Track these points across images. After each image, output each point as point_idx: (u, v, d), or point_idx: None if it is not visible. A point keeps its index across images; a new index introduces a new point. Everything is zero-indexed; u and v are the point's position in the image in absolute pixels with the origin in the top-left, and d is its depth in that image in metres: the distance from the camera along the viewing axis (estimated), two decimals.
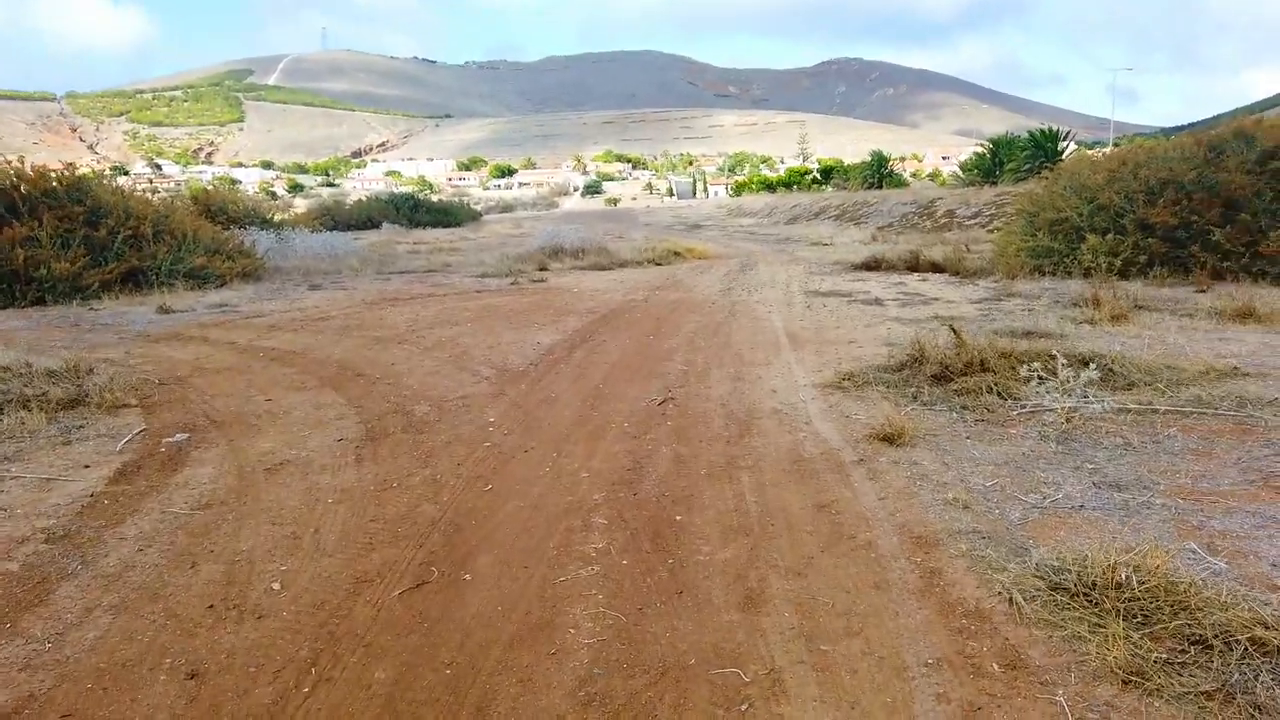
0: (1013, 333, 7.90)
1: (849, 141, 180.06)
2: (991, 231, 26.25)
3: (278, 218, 32.75)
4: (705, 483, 4.25)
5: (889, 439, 4.76)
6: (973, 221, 29.88)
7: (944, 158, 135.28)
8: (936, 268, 15.56)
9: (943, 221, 32.09)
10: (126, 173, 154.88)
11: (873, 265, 16.50)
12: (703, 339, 8.74)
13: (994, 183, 38.41)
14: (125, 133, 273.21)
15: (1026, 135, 39.71)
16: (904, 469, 4.35)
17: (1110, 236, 13.08)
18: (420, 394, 6.30)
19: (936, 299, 11.33)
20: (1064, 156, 38.29)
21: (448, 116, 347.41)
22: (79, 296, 13.71)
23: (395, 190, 74.58)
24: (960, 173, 46.91)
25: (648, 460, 4.63)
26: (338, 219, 43.41)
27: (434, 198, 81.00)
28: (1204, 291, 11.01)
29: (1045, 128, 38.89)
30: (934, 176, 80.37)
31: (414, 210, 48.64)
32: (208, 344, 8.90)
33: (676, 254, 21.90)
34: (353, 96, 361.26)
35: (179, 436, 4.98)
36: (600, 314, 10.89)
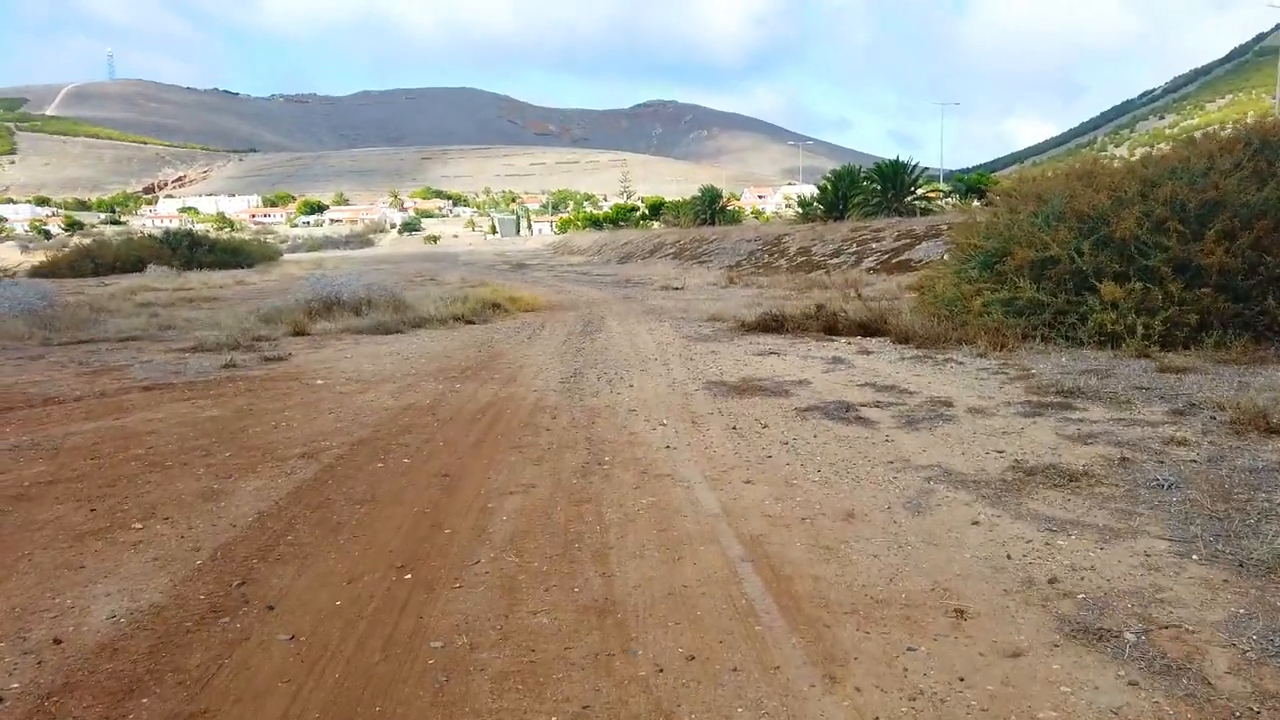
0: None
1: (669, 180, 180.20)
2: (872, 271, 22.46)
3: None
4: None
5: None
6: (836, 260, 26.15)
7: (759, 195, 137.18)
8: (868, 330, 10.94)
9: (799, 260, 28.31)
10: None
11: (772, 325, 11.69)
12: (551, 588, 3.40)
13: (839, 217, 35.56)
14: None
15: (874, 168, 37.22)
16: None
17: (1134, 285, 8.83)
18: None
19: (949, 404, 6.47)
20: (917, 190, 35.93)
21: (252, 150, 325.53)
22: None
23: (168, 227, 65.00)
24: (798, 208, 44.21)
25: None
26: (100, 261, 37.65)
27: (232, 235, 71.72)
28: None
29: (890, 160, 36.45)
30: (757, 214, 79.14)
31: (192, 249, 41.83)
32: None
33: (496, 306, 16.43)
34: (146, 128, 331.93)
35: None
36: (330, 459, 5.34)
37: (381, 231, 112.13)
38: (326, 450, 5.58)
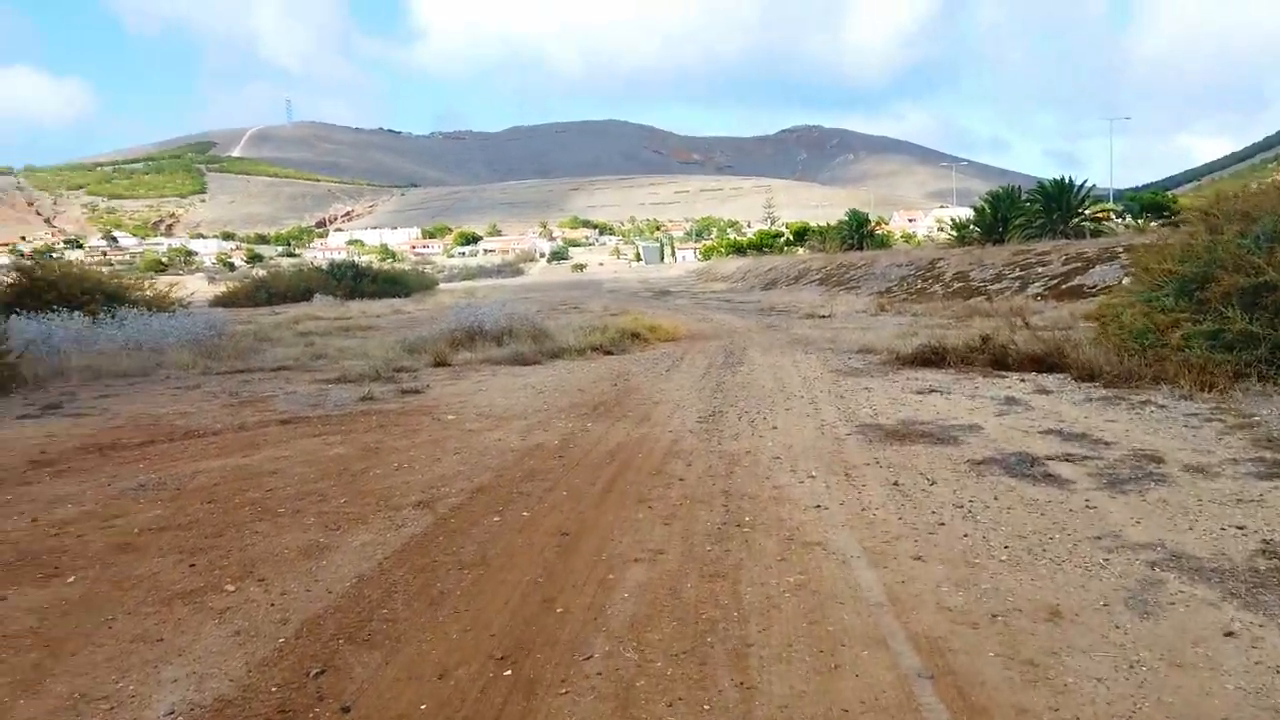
0: None
1: (814, 205, 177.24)
2: (1038, 298, 20.79)
3: (180, 293, 25.76)
4: None
5: None
6: (998, 286, 24.45)
7: (909, 219, 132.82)
8: (1041, 364, 9.79)
9: (956, 286, 26.69)
10: (81, 246, 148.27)
11: (932, 358, 10.69)
12: (675, 701, 2.75)
13: (998, 241, 33.49)
14: (84, 206, 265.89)
15: (1036, 188, 34.95)
16: None
17: None
18: None
19: (1158, 460, 5.42)
20: (1084, 211, 33.43)
21: (414, 186, 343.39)
22: None
23: (336, 258, 68.83)
24: (952, 231, 42.21)
25: None
26: (273, 291, 40.34)
27: (393, 265, 75.54)
28: None
29: (1054, 179, 34.07)
30: (906, 238, 76.54)
31: (356, 279, 44.10)
32: None
33: (635, 335, 16.02)
34: (319, 167, 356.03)
35: None
36: (445, 509, 4.91)
37: (531, 261, 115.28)
38: (444, 498, 5.16)
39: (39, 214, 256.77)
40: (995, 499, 4.73)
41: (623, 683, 2.81)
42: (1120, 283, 19.48)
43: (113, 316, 16.67)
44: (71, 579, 3.88)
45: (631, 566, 3.90)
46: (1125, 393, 7.94)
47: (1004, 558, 3.81)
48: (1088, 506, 4.52)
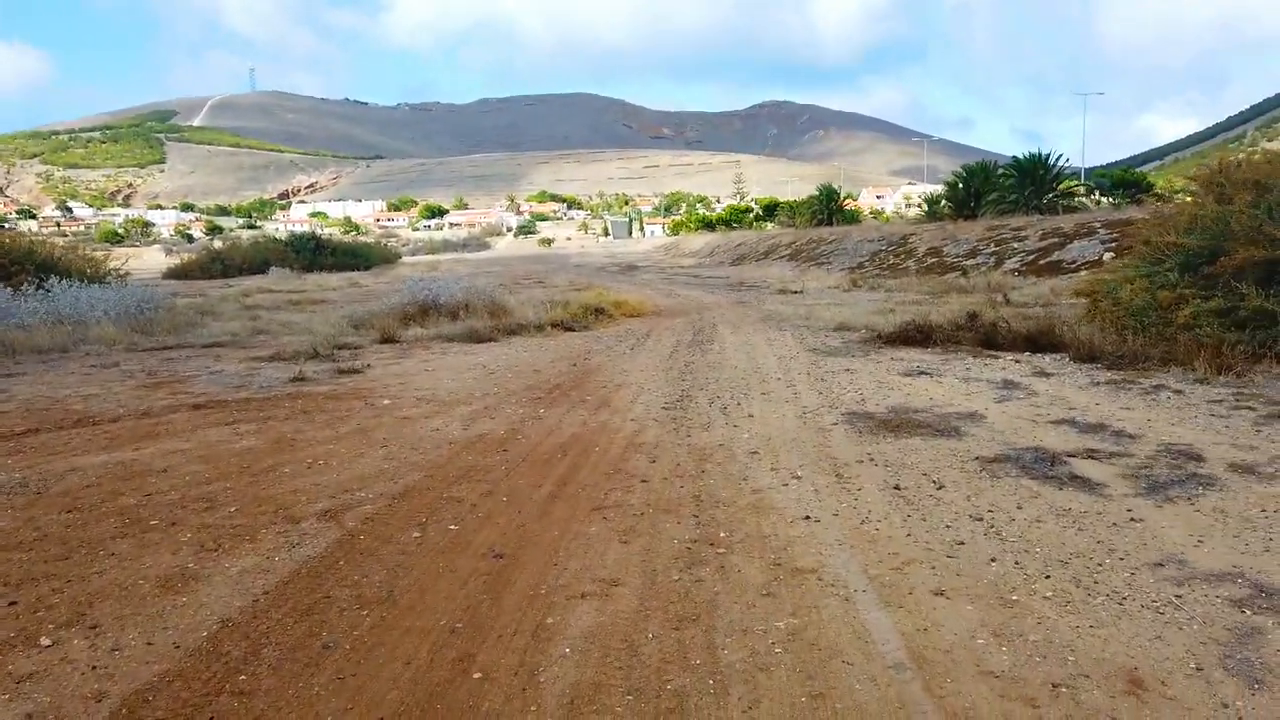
0: None
1: (784, 180, 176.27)
2: (1016, 273, 20.16)
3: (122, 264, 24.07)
4: None
5: None
6: (973, 262, 23.84)
7: (878, 195, 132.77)
8: (1034, 343, 9.06)
9: (930, 262, 26.12)
10: (35, 216, 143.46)
11: (916, 337, 9.91)
12: None
13: (970, 216, 32.96)
14: (39, 175, 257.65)
15: (1010, 163, 34.42)
16: None
17: None
18: None
19: (1197, 457, 4.65)
20: (1057, 187, 32.89)
21: (379, 157, 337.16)
22: None
23: (297, 230, 66.88)
24: (923, 207, 41.74)
25: None
26: (229, 263, 39.04)
27: (356, 238, 73.62)
28: None
29: (1028, 155, 33.48)
30: (875, 214, 76.17)
31: (315, 252, 42.66)
32: None
33: (599, 311, 15.13)
34: (282, 137, 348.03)
35: None
36: (356, 520, 4.01)
37: (498, 235, 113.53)
38: (357, 505, 4.28)
39: None
40: (1019, 508, 3.93)
41: None
42: (1101, 258, 18.93)
43: (39, 287, 15.39)
44: None
45: (577, 606, 3.04)
46: (1133, 376, 7.22)
47: (1049, 593, 3.01)
48: (1133, 519, 3.74)
